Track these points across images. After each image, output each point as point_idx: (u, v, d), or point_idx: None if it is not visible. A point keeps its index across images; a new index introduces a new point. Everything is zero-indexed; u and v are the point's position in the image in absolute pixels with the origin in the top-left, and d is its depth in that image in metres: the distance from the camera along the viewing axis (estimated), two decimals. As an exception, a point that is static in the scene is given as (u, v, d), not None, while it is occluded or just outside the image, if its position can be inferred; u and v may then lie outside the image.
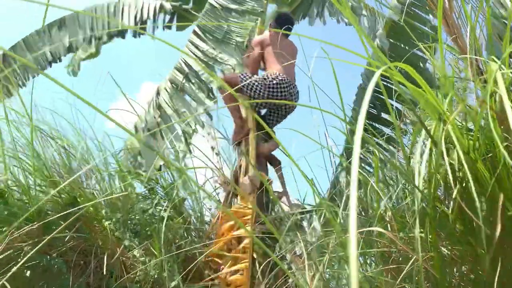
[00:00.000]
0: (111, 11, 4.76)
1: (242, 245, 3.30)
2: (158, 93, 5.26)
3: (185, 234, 3.31)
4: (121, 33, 4.71)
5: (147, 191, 3.27)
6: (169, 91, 2.74)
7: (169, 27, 4.78)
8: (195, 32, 2.83)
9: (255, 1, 2.64)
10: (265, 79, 3.31)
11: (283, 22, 3.27)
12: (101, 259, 2.26)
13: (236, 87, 3.31)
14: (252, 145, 3.61)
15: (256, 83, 3.22)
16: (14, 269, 1.51)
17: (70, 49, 4.71)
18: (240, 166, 3.81)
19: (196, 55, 2.68)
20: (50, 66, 4.82)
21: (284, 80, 3.39)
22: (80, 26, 4.78)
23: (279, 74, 3.31)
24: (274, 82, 3.28)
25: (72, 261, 2.05)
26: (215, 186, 3.88)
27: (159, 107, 2.75)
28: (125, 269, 2.47)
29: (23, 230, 1.71)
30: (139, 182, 3.37)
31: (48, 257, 1.85)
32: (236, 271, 3.19)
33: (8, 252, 1.69)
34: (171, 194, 3.36)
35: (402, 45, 3.19)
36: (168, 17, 4.79)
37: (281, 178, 3.78)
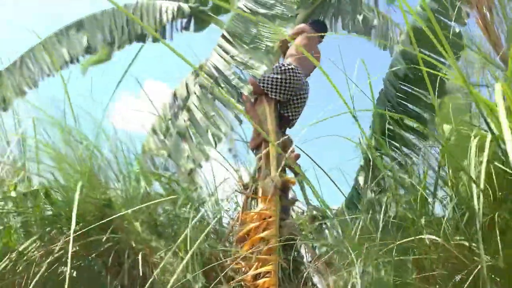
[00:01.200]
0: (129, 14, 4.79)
1: (267, 247, 3.33)
2: (175, 96, 5.30)
3: (206, 236, 3.33)
4: (142, 38, 4.75)
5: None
6: (198, 94, 2.77)
7: (187, 29, 4.82)
8: (223, 37, 2.86)
9: (284, 6, 2.67)
10: (280, 66, 3.54)
11: (320, 28, 3.71)
12: (133, 260, 2.28)
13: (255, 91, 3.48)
14: (272, 147, 3.64)
15: (273, 76, 3.43)
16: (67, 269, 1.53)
17: (88, 50, 4.74)
18: (259, 169, 3.85)
19: (225, 60, 2.71)
20: (67, 66, 4.85)
21: (297, 68, 3.62)
22: (98, 28, 4.81)
23: (291, 63, 3.57)
24: (289, 67, 3.52)
25: (108, 262, 2.08)
26: (234, 189, 3.92)
27: (188, 110, 2.77)
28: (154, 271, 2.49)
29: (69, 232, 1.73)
30: (159, 184, 3.40)
31: (90, 258, 1.87)
32: (263, 274, 3.21)
33: (60, 253, 1.71)
34: (191, 196, 3.40)
35: (426, 51, 3.21)
36: (185, 19, 4.84)
37: (301, 184, 3.82)
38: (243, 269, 3.29)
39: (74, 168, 2.06)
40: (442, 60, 3.28)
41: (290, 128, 4.01)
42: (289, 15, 2.62)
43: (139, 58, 5.00)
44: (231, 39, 2.78)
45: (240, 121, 2.66)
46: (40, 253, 1.73)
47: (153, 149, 4.32)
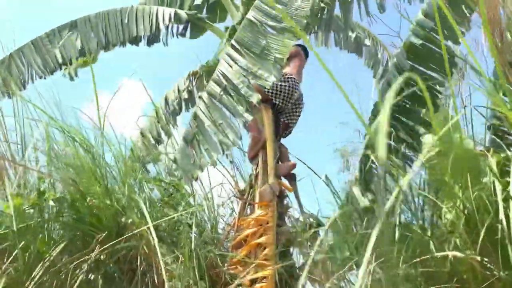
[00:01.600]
0: (125, 18, 4.78)
1: (265, 252, 3.40)
2: (166, 101, 5.30)
3: (205, 242, 3.37)
4: (135, 40, 4.75)
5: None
6: (206, 101, 2.81)
7: (183, 35, 4.85)
8: (233, 46, 2.91)
9: (293, 20, 2.75)
10: (284, 75, 3.79)
11: (307, 54, 4.10)
12: (145, 266, 2.31)
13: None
14: (270, 154, 3.72)
15: (277, 83, 3.64)
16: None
17: (81, 52, 4.69)
18: (257, 176, 3.92)
19: (234, 69, 2.77)
20: (60, 69, 4.79)
21: (295, 78, 3.92)
22: (93, 30, 4.78)
23: (292, 74, 3.91)
24: (291, 76, 3.86)
25: (124, 268, 2.10)
26: (230, 194, 3.97)
27: (195, 117, 2.81)
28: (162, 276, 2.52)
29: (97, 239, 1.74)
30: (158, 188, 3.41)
31: (111, 265, 1.89)
32: (260, 279, 3.28)
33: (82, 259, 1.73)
34: (189, 201, 3.43)
35: (420, 67, 3.37)
36: (181, 25, 4.87)
37: (296, 192, 3.92)
38: (241, 274, 3.34)
39: (92, 176, 2.07)
40: (435, 75, 3.44)
41: (286, 136, 4.11)
42: (299, 29, 2.70)
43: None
44: (240, 49, 2.84)
45: (248, 130, 2.71)
46: (69, 261, 1.73)
47: (144, 152, 4.31)
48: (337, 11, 4.44)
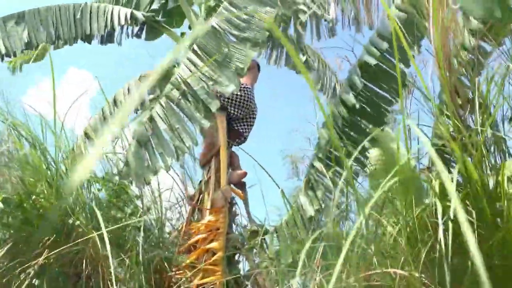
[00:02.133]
0: (78, 14, 4.62)
1: (214, 257, 3.40)
2: (114, 102, 5.16)
3: (152, 246, 3.32)
4: (88, 38, 4.59)
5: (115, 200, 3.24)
6: (164, 105, 2.78)
7: (139, 36, 4.76)
8: (194, 51, 2.91)
9: (255, 32, 2.80)
10: (240, 85, 3.80)
11: (259, 68, 4.27)
12: (90, 270, 2.23)
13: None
14: (223, 161, 3.75)
15: (232, 93, 3.59)
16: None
17: (28, 45, 4.46)
18: (207, 182, 3.92)
19: (194, 74, 2.76)
20: (2, 60, 4.52)
21: (250, 88, 4.02)
22: (42, 23, 4.56)
23: (247, 84, 3.97)
24: (247, 86, 3.91)
25: (69, 272, 2.01)
26: (180, 200, 3.94)
27: (150, 119, 2.77)
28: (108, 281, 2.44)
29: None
30: (105, 190, 3.32)
31: (57, 268, 1.81)
32: (208, 284, 3.27)
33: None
34: (136, 204, 3.36)
35: (372, 86, 3.55)
36: (137, 27, 4.79)
37: (245, 200, 3.97)
38: (189, 279, 3.32)
39: (38, 173, 1.97)
40: (386, 95, 3.65)
41: (239, 144, 4.16)
42: (260, 40, 2.76)
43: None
44: (201, 54, 2.85)
45: (212, 137, 2.72)
46: (13, 264, 1.63)
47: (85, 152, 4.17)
48: (291, 31, 4.58)
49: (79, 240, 1.95)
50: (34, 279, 1.75)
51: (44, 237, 1.83)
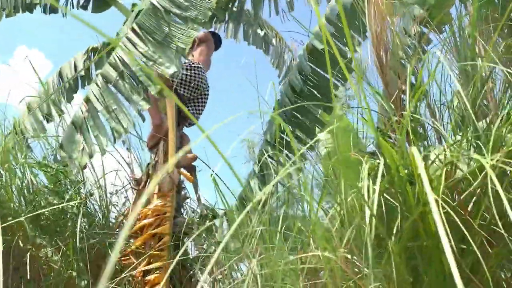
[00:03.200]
0: (17, -19, 4.31)
1: (161, 242, 3.34)
2: (60, 76, 4.91)
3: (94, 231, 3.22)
4: (29, 7, 4.31)
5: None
6: (100, 85, 2.64)
7: (85, 8, 4.51)
8: (133, 30, 2.76)
9: (198, 11, 2.68)
10: (189, 64, 3.73)
11: (219, 41, 4.15)
12: (19, 260, 2.13)
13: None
14: (172, 144, 3.65)
15: (182, 72, 3.56)
16: None
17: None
18: (155, 165, 3.82)
19: (133, 54, 2.63)
20: None
21: (203, 68, 3.87)
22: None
23: (199, 63, 3.83)
24: (197, 65, 3.77)
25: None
26: (125, 183, 3.83)
27: (87, 100, 2.63)
28: (41, 270, 2.35)
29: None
30: (45, 175, 3.18)
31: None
32: (154, 270, 3.22)
33: None
34: (78, 189, 3.24)
35: (320, 71, 3.53)
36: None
37: (195, 183, 3.90)
38: (134, 264, 3.26)
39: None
40: (333, 80, 3.64)
41: (190, 126, 4.06)
42: (203, 20, 2.65)
43: (14, 22, 4.53)
44: (141, 34, 2.71)
45: (144, 119, 2.62)
46: None
47: (30, 130, 3.97)
48: (248, 5, 4.47)
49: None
50: None
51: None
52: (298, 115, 3.68)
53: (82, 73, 4.61)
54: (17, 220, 2.03)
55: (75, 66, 4.73)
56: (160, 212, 3.48)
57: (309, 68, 3.46)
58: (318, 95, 3.61)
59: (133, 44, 2.66)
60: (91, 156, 2.51)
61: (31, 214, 2.23)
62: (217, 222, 4.02)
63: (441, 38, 2.75)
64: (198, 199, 3.91)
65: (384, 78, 2.03)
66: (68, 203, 2.95)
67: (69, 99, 4.74)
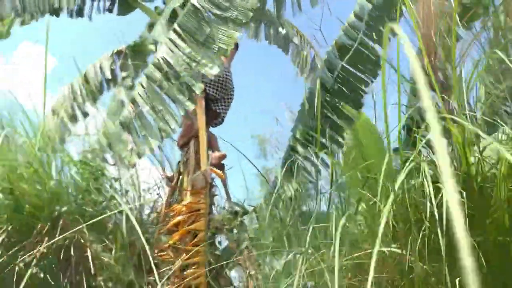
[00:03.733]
0: (43, -16, 4.38)
1: (196, 238, 3.42)
2: (85, 77, 4.98)
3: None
4: (56, 12, 4.38)
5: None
6: (146, 86, 2.72)
7: (111, 11, 4.58)
8: (175, 31, 2.83)
9: (238, 11, 2.74)
10: None
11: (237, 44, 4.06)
12: (80, 256, 2.21)
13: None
14: (202, 143, 3.73)
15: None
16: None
17: (-7, 18, 4.20)
18: (186, 163, 3.89)
19: (177, 55, 2.70)
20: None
21: (228, 68, 3.96)
22: (6, -5, 4.29)
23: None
24: (225, 67, 3.76)
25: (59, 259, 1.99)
26: (158, 180, 3.91)
27: (133, 101, 2.70)
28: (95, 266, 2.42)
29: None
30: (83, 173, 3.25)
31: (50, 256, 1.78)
32: (191, 265, 3.31)
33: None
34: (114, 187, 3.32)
35: (350, 68, 3.59)
36: (108, 0, 4.60)
37: (224, 181, 3.98)
38: (171, 260, 3.35)
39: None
40: (362, 76, 3.71)
41: (217, 125, 4.14)
42: (243, 21, 2.71)
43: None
44: (182, 34, 2.78)
45: (191, 119, 2.67)
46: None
47: (55, 132, 4.05)
48: (270, 5, 4.52)
49: (68, 227, 1.92)
50: (32, 268, 1.72)
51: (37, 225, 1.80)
52: (327, 112, 3.73)
53: (109, 76, 4.67)
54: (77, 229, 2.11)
55: (101, 69, 4.80)
56: (194, 209, 3.56)
57: (340, 65, 3.53)
58: (347, 92, 3.67)
59: (176, 45, 2.73)
60: (140, 156, 2.58)
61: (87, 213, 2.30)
62: (247, 218, 4.10)
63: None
64: (228, 196, 3.99)
65: (432, 77, 2.09)
66: (111, 200, 3.02)
67: (94, 102, 4.82)
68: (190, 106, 2.64)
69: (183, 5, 2.97)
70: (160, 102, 2.64)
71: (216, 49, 2.68)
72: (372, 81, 3.64)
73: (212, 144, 4.01)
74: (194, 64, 2.65)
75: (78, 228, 1.96)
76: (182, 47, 2.71)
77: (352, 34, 3.53)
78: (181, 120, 2.64)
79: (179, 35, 2.77)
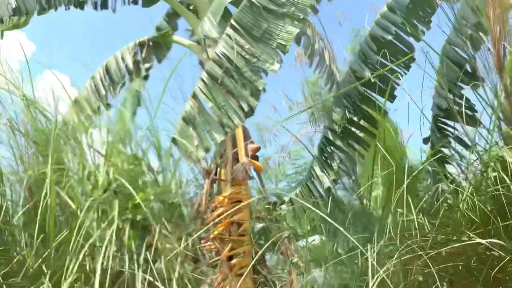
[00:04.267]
0: (68, -24, 4.30)
1: (241, 229, 3.51)
2: (107, 70, 4.95)
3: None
4: (81, 4, 4.31)
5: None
6: (207, 82, 2.75)
7: (135, 3, 4.54)
8: (232, 26, 2.86)
9: (295, 7, 2.79)
10: None
11: None
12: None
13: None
14: (239, 135, 3.79)
15: None
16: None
17: (16, 11, 4.10)
18: (222, 155, 3.95)
19: (236, 51, 2.74)
20: (-13, 26, 4.13)
21: None
22: (29, -12, 4.19)
23: None
24: None
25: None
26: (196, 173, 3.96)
27: (194, 96, 2.74)
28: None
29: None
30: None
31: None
32: (236, 254, 3.41)
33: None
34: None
35: (381, 58, 3.68)
36: (134, -10, 4.56)
37: (259, 172, 4.06)
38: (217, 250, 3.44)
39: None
40: (396, 68, 3.82)
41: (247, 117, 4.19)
42: (301, 16, 2.76)
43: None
44: (240, 30, 2.81)
45: (252, 113, 2.72)
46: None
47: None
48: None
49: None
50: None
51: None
52: (360, 104, 3.83)
53: (131, 67, 4.66)
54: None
55: (123, 60, 4.77)
56: (236, 200, 3.64)
57: (375, 57, 3.61)
58: (380, 84, 3.77)
59: (235, 40, 2.76)
60: (207, 150, 2.63)
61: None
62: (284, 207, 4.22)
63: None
64: (263, 187, 4.08)
65: (503, 78, 2.21)
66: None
67: (116, 94, 4.81)
68: (254, 102, 2.69)
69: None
70: (222, 98, 2.69)
71: (275, 45, 2.73)
72: (405, 73, 3.76)
73: (247, 136, 4.07)
74: (254, 59, 2.70)
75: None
76: (241, 42, 2.75)
77: (386, 26, 3.63)
78: (242, 116, 2.68)
79: (236, 30, 2.80)
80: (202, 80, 2.76)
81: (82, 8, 4.35)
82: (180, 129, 2.64)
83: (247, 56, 2.71)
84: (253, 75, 2.68)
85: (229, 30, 2.84)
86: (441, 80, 3.55)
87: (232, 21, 2.85)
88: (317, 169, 3.91)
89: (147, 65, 4.70)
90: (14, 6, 4.06)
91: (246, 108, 2.64)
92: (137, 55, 4.71)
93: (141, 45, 4.77)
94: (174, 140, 2.60)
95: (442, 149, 3.54)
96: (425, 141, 3.79)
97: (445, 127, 3.76)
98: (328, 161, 3.80)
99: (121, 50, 4.87)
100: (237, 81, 2.67)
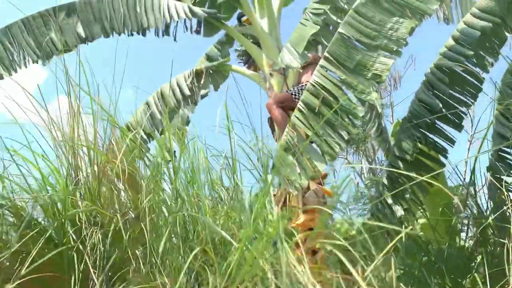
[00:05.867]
0: (131, 5, 4.41)
1: (317, 257, 3.50)
2: (162, 95, 5.01)
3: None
4: (143, 30, 4.41)
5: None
6: (305, 111, 2.81)
7: (198, 32, 4.65)
8: (326, 58, 2.95)
9: (388, 39, 2.87)
10: (302, 85, 3.93)
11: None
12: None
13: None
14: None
15: (298, 91, 3.75)
16: None
17: (84, 39, 4.20)
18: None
19: (331, 81, 2.81)
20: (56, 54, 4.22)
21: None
22: (95, 16, 4.30)
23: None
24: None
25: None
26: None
27: (293, 126, 2.79)
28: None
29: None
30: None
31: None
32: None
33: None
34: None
35: (451, 90, 3.76)
36: (196, 21, 4.68)
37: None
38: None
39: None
40: (462, 97, 3.90)
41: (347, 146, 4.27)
42: (394, 48, 2.84)
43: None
44: (334, 62, 2.89)
45: (348, 142, 2.77)
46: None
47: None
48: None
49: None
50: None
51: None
52: (427, 133, 3.88)
53: (187, 93, 4.73)
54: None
55: (178, 86, 4.85)
56: (308, 227, 3.64)
57: (443, 87, 3.69)
58: (448, 114, 3.84)
59: (329, 71, 2.84)
60: (313, 178, 2.66)
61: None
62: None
63: None
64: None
65: None
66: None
67: (171, 119, 4.87)
68: (353, 131, 2.75)
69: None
70: (320, 127, 2.74)
71: (369, 76, 2.80)
72: (472, 103, 3.84)
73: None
74: (351, 89, 2.77)
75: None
76: (336, 73, 2.83)
77: (454, 57, 3.73)
78: (344, 145, 2.73)
79: (329, 62, 2.88)
80: (300, 110, 2.82)
81: (144, 34, 4.45)
82: (280, 156, 2.68)
83: (342, 86, 2.79)
84: (351, 104, 2.74)
85: (322, 62, 2.92)
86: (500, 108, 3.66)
87: (326, 54, 2.94)
88: (389, 199, 3.92)
89: (203, 91, 4.78)
90: (83, 36, 4.15)
91: (345, 136, 2.70)
92: (194, 82, 4.80)
93: (197, 73, 4.87)
94: (273, 167, 2.64)
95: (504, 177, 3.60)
96: (488, 169, 3.85)
97: (506, 155, 3.83)
98: (401, 191, 3.83)
99: (177, 76, 4.97)
100: (337, 111, 2.73)
